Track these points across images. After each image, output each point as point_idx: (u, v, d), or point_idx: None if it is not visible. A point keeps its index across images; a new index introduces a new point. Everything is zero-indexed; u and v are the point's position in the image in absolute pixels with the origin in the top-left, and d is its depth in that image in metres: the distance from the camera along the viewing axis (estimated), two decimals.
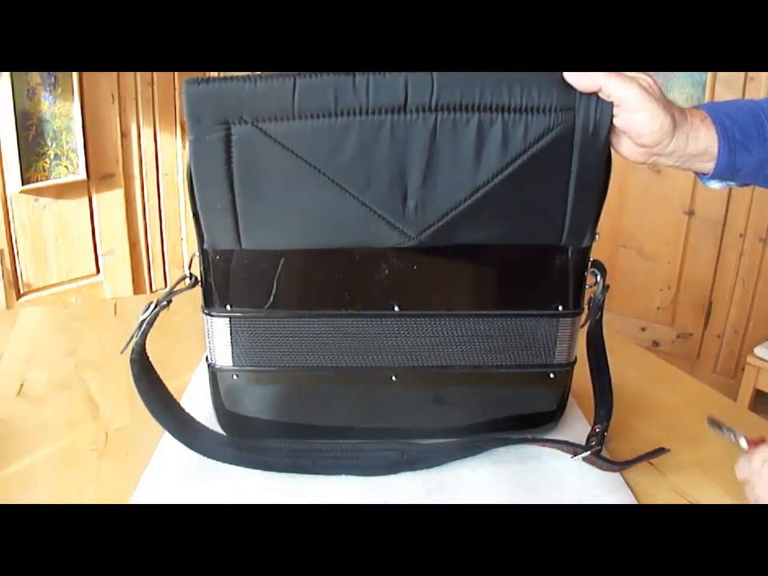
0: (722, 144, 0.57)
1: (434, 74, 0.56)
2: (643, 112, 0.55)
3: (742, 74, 1.92)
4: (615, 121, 0.57)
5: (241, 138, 0.58)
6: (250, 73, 0.57)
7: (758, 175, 0.59)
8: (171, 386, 0.71)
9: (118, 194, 2.38)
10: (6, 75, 1.96)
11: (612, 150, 0.60)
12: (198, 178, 0.61)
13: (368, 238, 0.63)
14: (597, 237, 0.65)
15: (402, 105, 0.56)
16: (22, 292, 2.22)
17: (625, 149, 0.59)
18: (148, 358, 0.69)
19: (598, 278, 0.69)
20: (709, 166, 0.59)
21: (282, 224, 0.63)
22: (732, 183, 0.61)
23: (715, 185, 0.62)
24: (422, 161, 0.58)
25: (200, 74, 0.57)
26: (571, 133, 0.57)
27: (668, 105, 0.56)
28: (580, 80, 0.55)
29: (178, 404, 0.72)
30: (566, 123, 0.57)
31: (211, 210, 0.62)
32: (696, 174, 0.62)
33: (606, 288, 0.69)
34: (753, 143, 0.57)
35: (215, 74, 0.58)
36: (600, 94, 0.56)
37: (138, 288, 2.51)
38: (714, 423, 0.66)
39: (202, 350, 0.73)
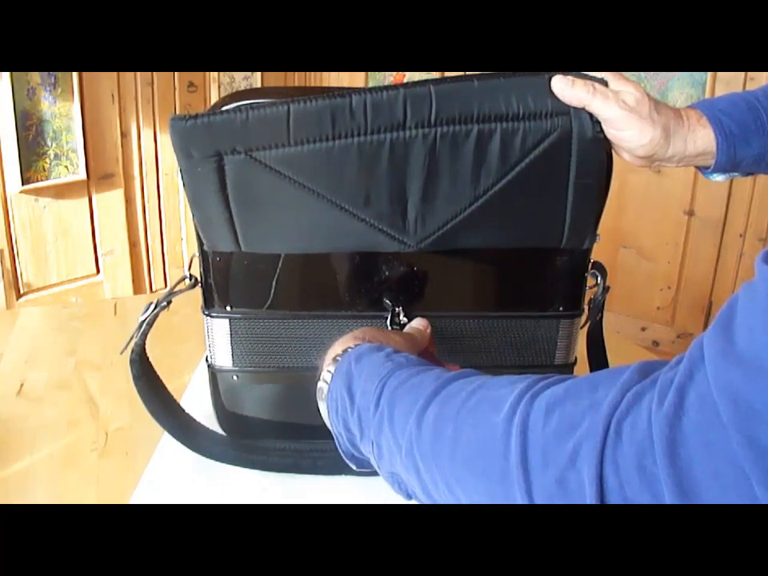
0: (720, 141, 0.57)
1: (432, 87, 0.55)
2: (631, 130, 0.55)
3: (742, 73, 1.92)
4: (607, 135, 0.57)
5: (234, 167, 0.57)
6: (240, 105, 0.55)
7: (760, 164, 0.59)
8: (171, 386, 0.71)
9: (117, 194, 2.38)
10: (6, 75, 1.96)
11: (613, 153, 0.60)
12: (193, 202, 0.60)
13: (367, 247, 0.62)
14: (597, 238, 0.65)
15: (401, 122, 0.55)
16: (21, 292, 2.22)
17: (626, 156, 0.59)
18: (148, 358, 0.69)
19: (599, 279, 0.69)
20: (711, 162, 0.58)
21: (281, 236, 0.63)
22: (735, 174, 0.61)
23: (718, 177, 0.61)
24: (423, 176, 0.58)
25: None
26: (569, 136, 0.57)
27: (658, 116, 0.55)
28: (565, 95, 0.55)
29: (178, 404, 0.72)
30: (562, 127, 0.56)
31: (209, 224, 0.62)
32: (698, 168, 0.62)
33: (606, 289, 0.69)
34: (752, 135, 0.57)
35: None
36: (587, 110, 0.56)
37: (138, 288, 2.50)
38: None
39: (202, 350, 0.73)
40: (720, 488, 0.26)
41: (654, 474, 0.28)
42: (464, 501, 0.38)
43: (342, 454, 0.51)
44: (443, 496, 0.40)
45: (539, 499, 0.32)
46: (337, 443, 0.51)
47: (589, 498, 0.30)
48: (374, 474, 0.72)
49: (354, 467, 0.52)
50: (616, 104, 0.54)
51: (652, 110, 0.55)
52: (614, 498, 0.29)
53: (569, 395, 0.34)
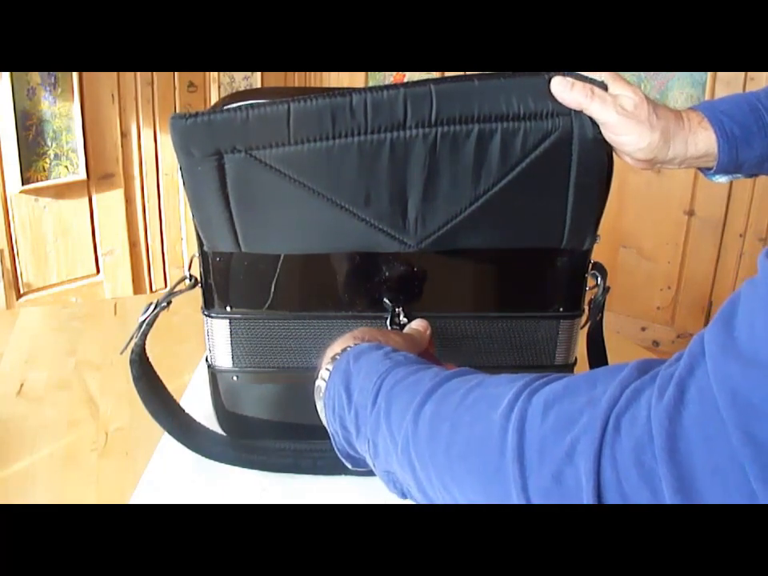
0: (722, 143, 0.57)
1: (432, 87, 0.55)
2: (629, 135, 0.55)
3: (742, 73, 1.92)
4: (606, 138, 0.56)
5: (234, 166, 0.57)
6: (240, 104, 0.55)
7: (762, 165, 0.59)
8: (171, 386, 0.71)
9: (117, 194, 2.37)
10: (6, 75, 1.96)
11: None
12: (193, 201, 0.60)
13: (367, 247, 0.62)
14: (597, 239, 0.64)
15: (401, 122, 0.55)
16: (21, 292, 2.22)
17: (627, 159, 0.59)
18: (148, 358, 0.69)
19: (599, 279, 0.69)
20: (713, 164, 0.58)
21: (281, 236, 0.63)
22: (738, 175, 0.61)
23: (720, 179, 0.61)
24: (423, 176, 0.57)
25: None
26: (569, 137, 0.56)
27: (657, 119, 0.55)
28: (563, 98, 0.55)
29: (178, 404, 0.72)
30: (563, 128, 0.56)
31: (209, 224, 0.62)
32: (700, 170, 0.61)
33: (606, 290, 0.69)
34: (753, 137, 0.57)
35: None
36: (585, 113, 0.55)
37: (138, 288, 2.50)
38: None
39: (202, 350, 0.73)
40: (719, 483, 0.26)
41: (652, 468, 0.28)
42: (459, 498, 0.38)
43: (338, 453, 0.51)
44: (438, 494, 0.40)
45: (535, 496, 0.32)
46: (333, 441, 0.51)
47: (585, 493, 0.30)
48: (373, 473, 0.72)
49: (350, 466, 0.52)
50: (614, 109, 0.54)
51: (651, 113, 0.55)
52: (611, 494, 0.29)
53: (567, 392, 0.34)
